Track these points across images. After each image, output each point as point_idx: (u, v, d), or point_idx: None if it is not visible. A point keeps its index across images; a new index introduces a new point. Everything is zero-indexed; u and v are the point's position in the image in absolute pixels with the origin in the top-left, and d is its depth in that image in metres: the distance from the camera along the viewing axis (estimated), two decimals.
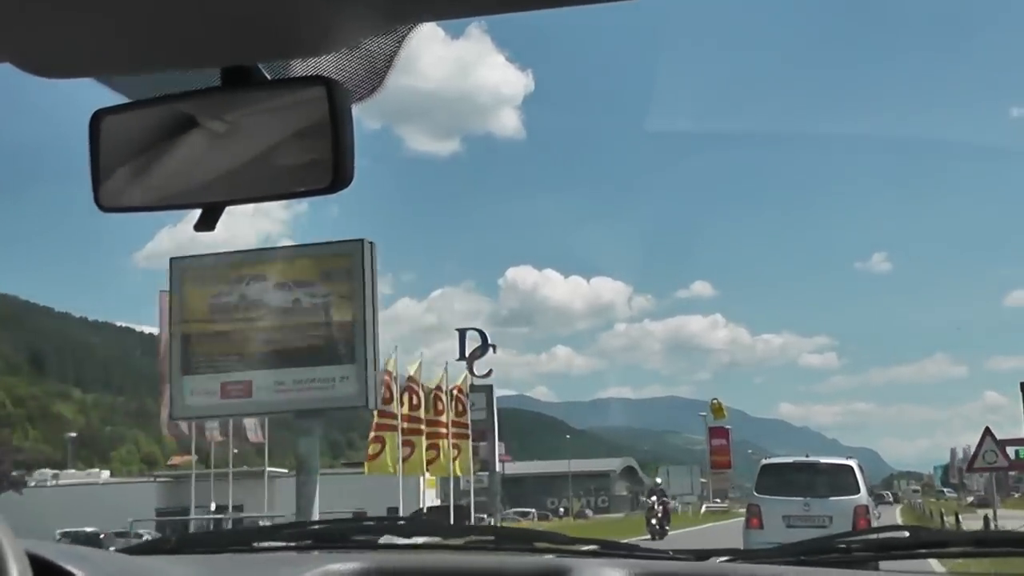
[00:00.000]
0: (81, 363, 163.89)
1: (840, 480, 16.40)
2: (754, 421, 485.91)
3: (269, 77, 1.27)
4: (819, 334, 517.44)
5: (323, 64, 1.28)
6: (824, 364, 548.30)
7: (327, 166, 1.23)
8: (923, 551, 2.13)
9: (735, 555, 2.04)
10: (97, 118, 1.33)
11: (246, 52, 1.18)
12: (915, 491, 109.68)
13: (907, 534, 2.14)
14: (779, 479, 16.60)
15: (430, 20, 1.22)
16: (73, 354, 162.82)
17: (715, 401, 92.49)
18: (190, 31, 1.09)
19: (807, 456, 18.31)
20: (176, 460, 68.47)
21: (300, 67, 1.29)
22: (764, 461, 18.42)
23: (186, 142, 1.30)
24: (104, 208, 1.33)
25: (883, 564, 2.14)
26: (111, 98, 1.32)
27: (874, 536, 2.24)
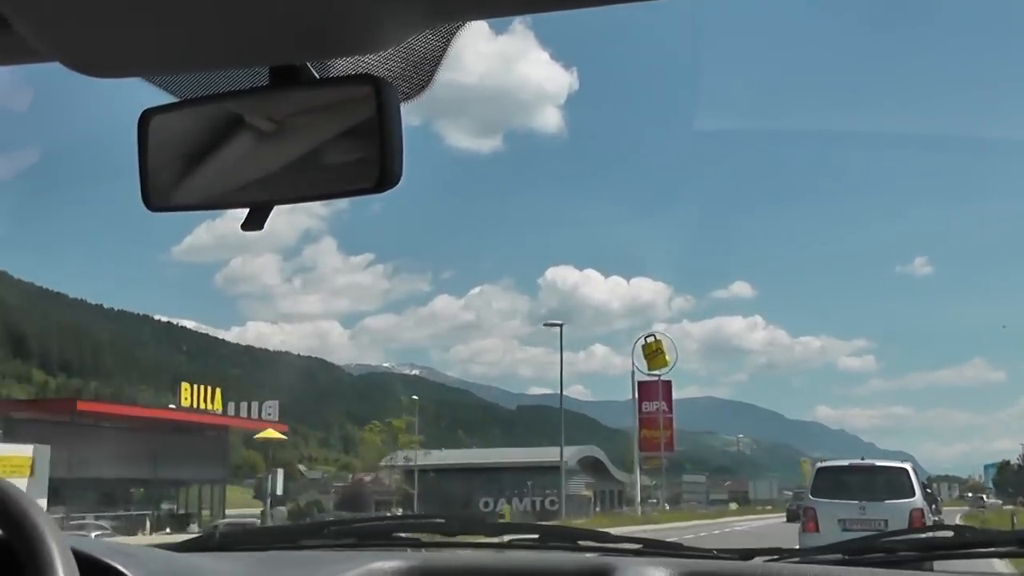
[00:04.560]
0: (70, 348, 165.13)
1: (895, 483, 16.44)
2: (791, 423, 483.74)
3: (317, 76, 1.28)
4: (858, 337, 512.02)
5: (371, 63, 1.29)
6: (863, 367, 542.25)
7: (374, 165, 1.23)
8: (969, 551, 2.12)
9: (780, 554, 2.03)
10: (145, 117, 1.33)
11: (295, 51, 1.18)
12: None
13: (952, 534, 2.14)
14: (834, 482, 16.66)
15: (477, 18, 1.21)
16: (62, 339, 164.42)
17: (651, 340, 61.80)
18: (239, 30, 1.08)
19: (862, 459, 18.18)
20: None
21: (348, 66, 1.29)
22: (819, 464, 18.35)
23: (234, 141, 1.30)
24: (152, 207, 1.33)
25: (938, 565, 2.14)
26: (159, 97, 1.33)
27: (919, 536, 2.23)
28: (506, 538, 2.29)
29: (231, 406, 54.04)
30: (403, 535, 2.29)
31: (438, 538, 2.31)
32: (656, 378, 61.90)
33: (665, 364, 61.23)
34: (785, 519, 52.50)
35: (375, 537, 2.34)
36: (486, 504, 65.84)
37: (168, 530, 42.57)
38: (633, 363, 61.49)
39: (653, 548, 2.08)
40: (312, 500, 64.85)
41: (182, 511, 49.80)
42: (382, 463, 66.69)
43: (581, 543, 2.18)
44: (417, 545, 2.24)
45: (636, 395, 60.43)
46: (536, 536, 2.26)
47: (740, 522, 57.33)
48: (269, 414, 55.13)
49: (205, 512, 50.77)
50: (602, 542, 2.17)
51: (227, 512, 52.17)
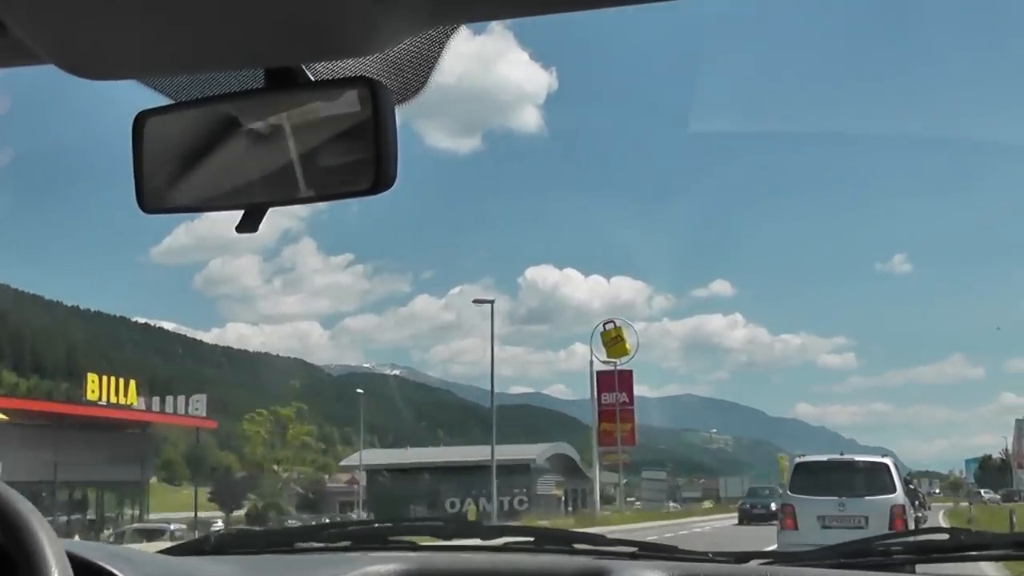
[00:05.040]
0: (44, 349, 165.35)
1: (875, 479, 16.04)
2: (771, 420, 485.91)
3: (313, 78, 1.27)
4: (838, 335, 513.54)
5: (366, 65, 1.28)
6: (843, 365, 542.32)
7: (370, 167, 1.23)
8: (964, 553, 2.13)
9: (775, 558, 2.05)
10: (140, 119, 1.32)
11: (290, 53, 1.18)
12: None
13: (947, 536, 2.15)
14: (813, 478, 16.24)
15: (472, 21, 1.21)
16: (36, 340, 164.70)
17: (611, 327, 56.60)
18: (234, 32, 1.08)
19: (842, 454, 17.59)
20: None
21: (343, 68, 1.29)
22: (798, 459, 17.84)
23: (229, 143, 1.30)
24: (147, 210, 1.32)
25: (920, 567, 2.14)
26: (154, 99, 1.32)
27: (913, 538, 2.24)
28: (501, 541, 2.30)
29: (156, 400, 50.89)
30: (398, 538, 2.30)
31: (434, 541, 2.31)
32: (613, 367, 56.92)
33: (626, 352, 56.50)
34: (737, 521, 45.39)
35: (370, 540, 2.35)
36: (452, 504, 62.63)
37: (76, 538, 39.82)
38: (592, 351, 56.68)
39: (648, 551, 2.09)
40: (271, 502, 62.49)
41: (92, 516, 45.12)
42: (343, 463, 65.08)
43: (576, 546, 2.19)
44: (412, 548, 2.25)
45: (594, 386, 55.41)
46: (531, 539, 2.27)
47: (703, 522, 50.98)
48: (196, 409, 51.31)
49: (128, 514, 46.79)
50: (597, 545, 2.18)
51: (151, 517, 47.38)
